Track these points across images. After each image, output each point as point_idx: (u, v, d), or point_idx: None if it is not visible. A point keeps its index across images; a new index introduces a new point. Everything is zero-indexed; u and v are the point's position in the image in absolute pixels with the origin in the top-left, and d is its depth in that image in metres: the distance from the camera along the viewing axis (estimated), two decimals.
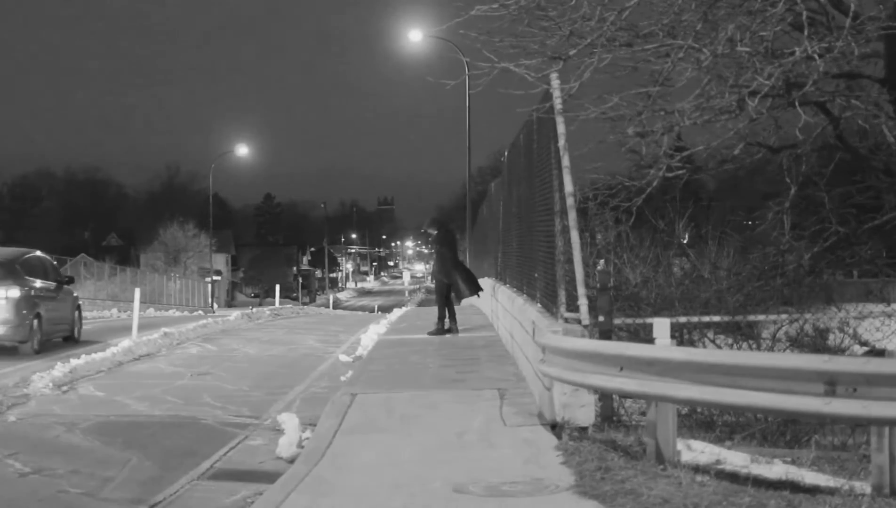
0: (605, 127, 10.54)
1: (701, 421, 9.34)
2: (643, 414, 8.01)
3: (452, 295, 17.96)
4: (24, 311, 17.39)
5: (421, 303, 56.09)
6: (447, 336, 17.17)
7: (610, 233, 12.16)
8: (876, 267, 12.06)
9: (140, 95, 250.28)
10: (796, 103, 9.67)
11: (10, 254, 18.98)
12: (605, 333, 8.95)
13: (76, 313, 20.70)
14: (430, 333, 17.34)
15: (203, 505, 7.64)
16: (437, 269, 17.71)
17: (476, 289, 17.55)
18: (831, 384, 5.78)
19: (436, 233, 17.74)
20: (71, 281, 21.27)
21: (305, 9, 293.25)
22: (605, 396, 8.58)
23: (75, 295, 21.02)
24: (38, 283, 18.43)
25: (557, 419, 8.41)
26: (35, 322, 17.62)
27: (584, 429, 8.23)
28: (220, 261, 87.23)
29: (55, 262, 21.93)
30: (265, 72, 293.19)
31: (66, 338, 19.94)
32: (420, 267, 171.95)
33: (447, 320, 17.53)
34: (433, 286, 18.40)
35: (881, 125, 10.64)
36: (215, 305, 64.38)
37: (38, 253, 20.05)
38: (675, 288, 11.51)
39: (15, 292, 17.32)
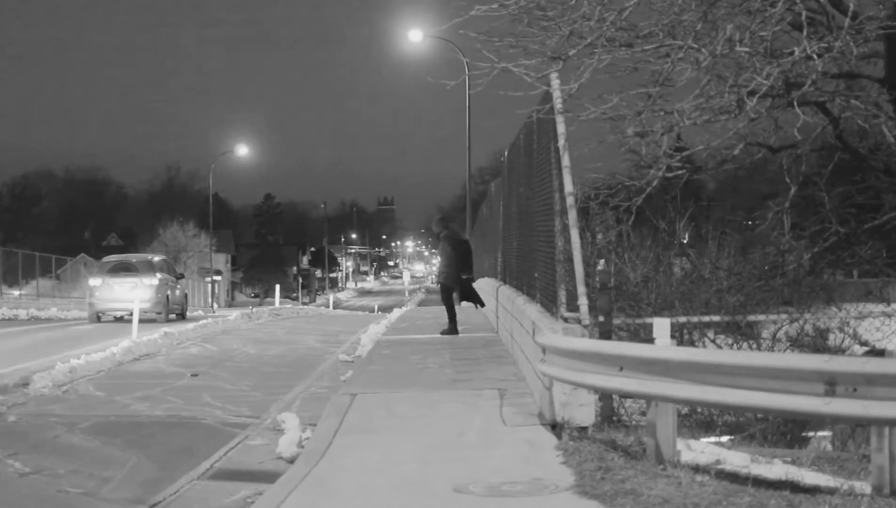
0: (605, 127, 10.54)
1: (701, 421, 9.34)
2: (643, 414, 8.01)
3: (455, 295, 18.02)
4: (160, 294, 27.56)
5: (421, 303, 56.09)
6: (446, 336, 17.19)
7: (611, 233, 12.15)
8: (876, 267, 12.06)
9: (140, 95, 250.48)
10: (795, 103, 9.67)
11: (149, 257, 30.92)
12: (605, 333, 8.94)
13: (185, 298, 31.49)
14: (443, 332, 17.41)
15: (203, 505, 7.65)
16: (439, 271, 17.78)
17: (474, 302, 17.86)
18: (831, 384, 5.78)
19: (441, 232, 17.70)
20: (182, 276, 31.82)
21: (305, 8, 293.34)
22: (605, 396, 8.58)
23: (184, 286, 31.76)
24: (166, 276, 28.62)
25: (557, 419, 8.41)
26: (165, 297, 27.79)
27: (584, 429, 8.23)
28: (220, 261, 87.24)
29: (173, 263, 34.64)
30: (265, 71, 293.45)
31: (179, 315, 29.22)
32: (420, 267, 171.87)
33: (449, 319, 17.57)
34: (437, 287, 18.49)
35: (881, 125, 10.64)
36: (215, 305, 64.39)
37: (162, 256, 32.65)
38: (676, 288, 11.50)
39: (155, 281, 27.64)
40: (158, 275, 27.93)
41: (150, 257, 30.70)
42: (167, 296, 27.97)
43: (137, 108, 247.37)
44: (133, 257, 30.72)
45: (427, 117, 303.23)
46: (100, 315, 27.66)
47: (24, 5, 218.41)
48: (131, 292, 25.81)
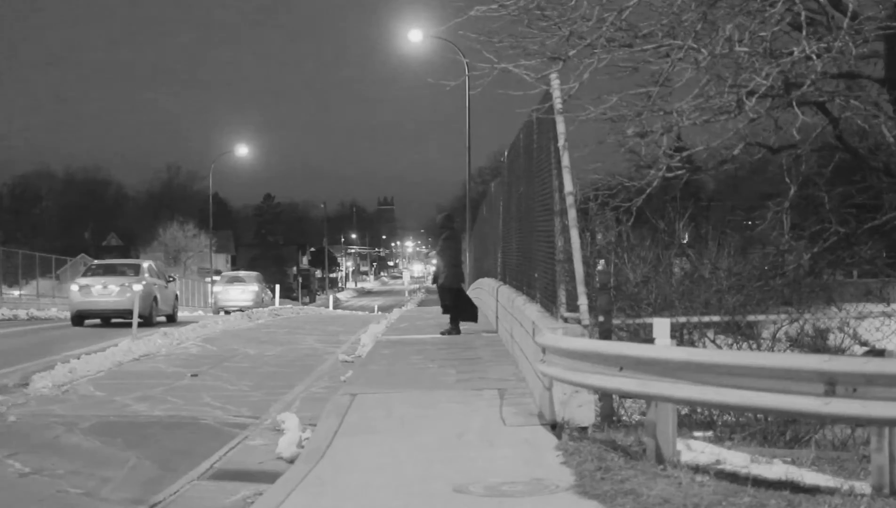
0: (604, 127, 10.53)
1: (701, 422, 9.34)
2: (643, 414, 8.01)
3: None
4: (258, 296, 43.18)
5: (421, 303, 56.24)
6: (447, 336, 17.18)
7: (610, 233, 12.14)
8: (876, 268, 12.04)
9: (140, 95, 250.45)
10: (795, 103, 9.66)
11: (252, 273, 49.09)
12: (605, 333, 8.94)
13: (270, 298, 47.71)
14: (443, 332, 17.38)
15: (203, 505, 7.65)
16: (441, 271, 17.62)
17: (470, 318, 17.60)
18: (831, 384, 5.78)
19: (445, 231, 17.62)
20: (272, 287, 51.33)
21: (305, 8, 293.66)
22: (605, 396, 8.58)
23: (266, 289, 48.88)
24: (262, 285, 45.48)
25: (557, 419, 8.41)
26: (262, 299, 43.18)
27: (584, 429, 8.23)
28: (220, 261, 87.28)
29: (259, 274, 51.05)
30: (265, 71, 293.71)
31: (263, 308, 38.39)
32: (420, 267, 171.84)
33: (451, 320, 17.55)
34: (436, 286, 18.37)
35: (881, 125, 10.63)
36: None
37: (257, 273, 49.85)
38: (675, 288, 11.49)
39: (256, 288, 44.09)
40: (257, 284, 45.25)
41: (252, 273, 49.94)
42: (262, 298, 44.04)
43: (138, 109, 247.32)
44: (241, 273, 50.73)
45: (427, 117, 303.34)
46: (220, 309, 41.52)
47: (25, 5, 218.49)
48: (241, 294, 43.51)
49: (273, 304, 44.94)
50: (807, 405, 5.91)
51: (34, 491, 7.90)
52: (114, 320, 26.52)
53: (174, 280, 31.02)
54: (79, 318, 27.17)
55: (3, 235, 73.74)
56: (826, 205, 11.22)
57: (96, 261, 32.50)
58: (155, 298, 27.30)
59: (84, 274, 28.46)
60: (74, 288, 27.51)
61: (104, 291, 26.57)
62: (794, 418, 8.52)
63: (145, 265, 28.74)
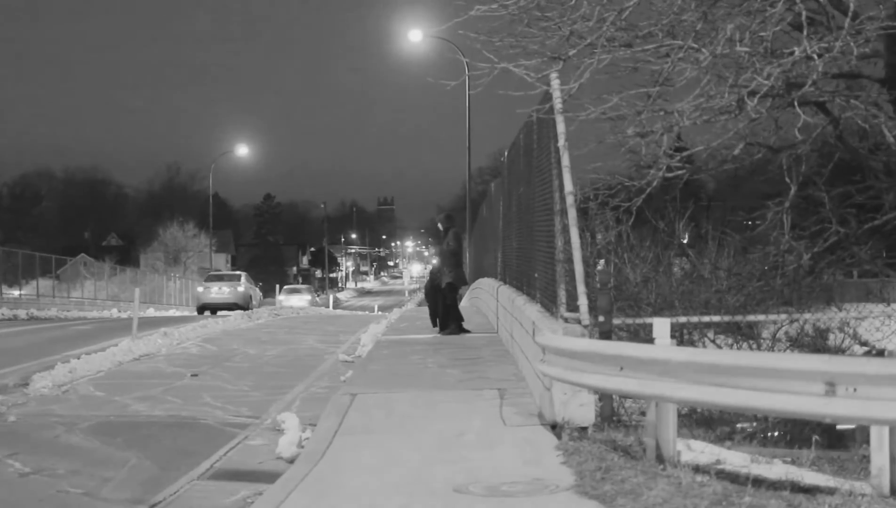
0: (604, 127, 10.54)
1: (701, 422, 9.34)
2: (643, 414, 8.01)
3: (459, 292, 17.91)
4: (310, 303, 60.36)
5: (421, 303, 56.38)
6: (447, 336, 17.16)
7: (610, 233, 12.13)
8: (876, 268, 12.05)
9: (140, 95, 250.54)
10: (795, 103, 9.66)
11: (305, 286, 75.35)
12: (605, 333, 8.93)
13: (316, 301, 68.61)
14: (444, 332, 17.32)
15: (203, 505, 7.65)
16: (443, 271, 17.52)
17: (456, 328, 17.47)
18: (831, 384, 5.78)
19: (445, 230, 17.54)
20: (318, 291, 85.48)
21: (304, 9, 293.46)
22: (605, 396, 8.58)
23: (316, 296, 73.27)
24: (313, 292, 71.38)
25: (557, 419, 8.41)
26: (314, 303, 62.99)
27: (584, 429, 8.23)
28: (220, 261, 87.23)
29: (309, 286, 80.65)
30: (265, 71, 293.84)
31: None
32: (419, 267, 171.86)
33: (451, 320, 17.50)
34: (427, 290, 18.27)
35: (881, 125, 10.63)
36: None
37: (309, 285, 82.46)
38: (676, 288, 11.49)
39: (309, 296, 64.26)
40: (309, 294, 63.78)
41: (305, 286, 69.74)
42: (316, 301, 61.09)
43: (137, 108, 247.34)
44: (298, 286, 69.25)
45: (427, 117, 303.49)
46: (284, 309, 46.69)
47: (24, 5, 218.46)
48: (298, 302, 56.93)
49: (322, 307, 61.65)
50: (807, 405, 5.91)
51: (34, 491, 7.90)
52: (219, 313, 36.34)
53: (260, 284, 47.72)
54: (202, 309, 40.18)
55: (3, 235, 73.79)
56: (826, 205, 11.22)
57: (211, 273, 50.52)
58: (250, 296, 41.01)
59: (205, 281, 43.52)
60: (200, 289, 42.25)
61: (219, 291, 40.77)
62: (794, 418, 8.52)
63: (243, 275, 43.32)
